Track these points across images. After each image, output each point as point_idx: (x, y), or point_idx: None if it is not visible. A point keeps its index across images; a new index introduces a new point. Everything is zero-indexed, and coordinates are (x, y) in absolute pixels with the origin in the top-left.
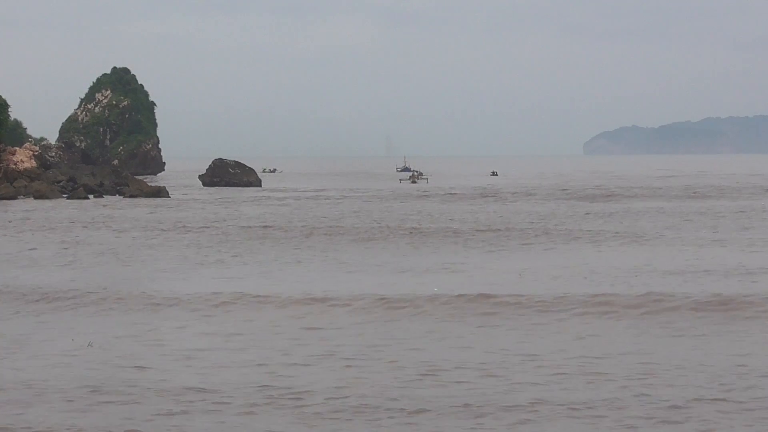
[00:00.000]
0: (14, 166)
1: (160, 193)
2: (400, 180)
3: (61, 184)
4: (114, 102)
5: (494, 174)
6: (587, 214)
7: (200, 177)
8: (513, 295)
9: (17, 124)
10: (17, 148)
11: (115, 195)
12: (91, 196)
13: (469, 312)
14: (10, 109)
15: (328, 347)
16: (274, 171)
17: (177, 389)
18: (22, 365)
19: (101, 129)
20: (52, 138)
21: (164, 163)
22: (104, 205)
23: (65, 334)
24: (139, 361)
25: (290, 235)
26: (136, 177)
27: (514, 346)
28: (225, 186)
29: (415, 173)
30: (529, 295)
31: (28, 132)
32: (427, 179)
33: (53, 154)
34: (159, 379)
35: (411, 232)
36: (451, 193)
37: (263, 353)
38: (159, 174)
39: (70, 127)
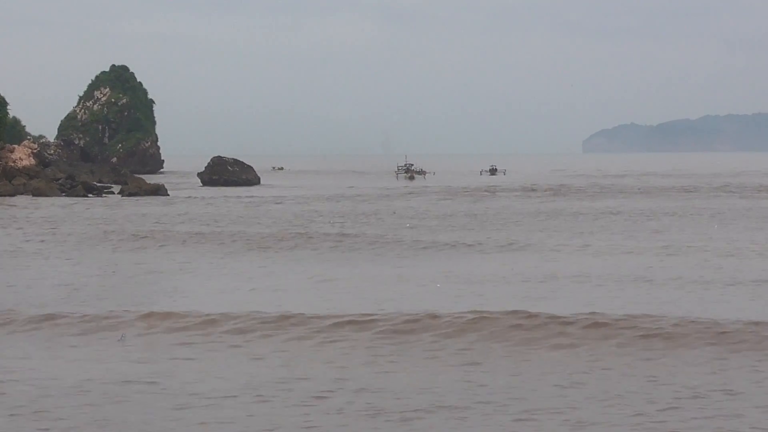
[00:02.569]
0: (13, 164)
1: (158, 190)
2: (397, 176)
3: (60, 181)
4: (113, 100)
5: (493, 170)
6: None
7: (199, 175)
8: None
9: (16, 122)
10: (16, 146)
11: (113, 193)
12: (89, 194)
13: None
14: (8, 107)
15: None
16: (282, 169)
17: None
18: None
19: (100, 127)
20: (51, 136)
21: (163, 160)
22: (90, 205)
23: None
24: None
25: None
26: (135, 175)
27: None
28: (224, 184)
29: (410, 167)
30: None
31: (27, 130)
32: (424, 176)
33: (52, 151)
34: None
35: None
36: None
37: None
38: (158, 172)
39: (68, 124)
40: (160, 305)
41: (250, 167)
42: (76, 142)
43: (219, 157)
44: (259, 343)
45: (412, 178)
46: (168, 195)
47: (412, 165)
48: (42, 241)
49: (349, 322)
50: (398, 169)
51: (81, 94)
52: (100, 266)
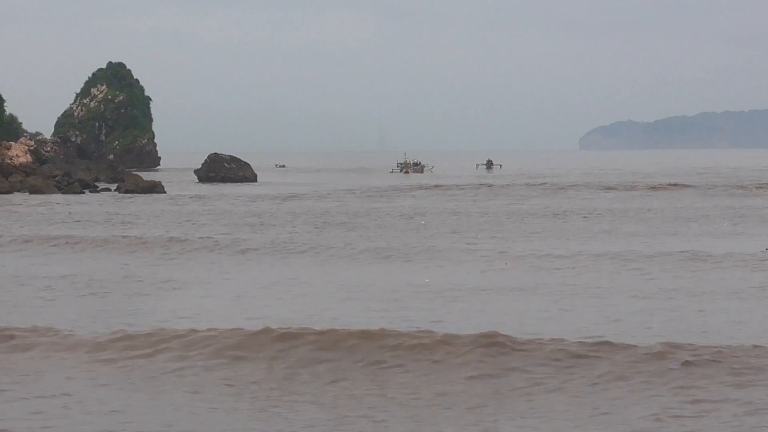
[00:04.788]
0: (9, 161)
1: (155, 188)
2: (392, 171)
3: (57, 179)
4: (109, 97)
5: (489, 164)
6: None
7: (196, 172)
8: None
9: (12, 119)
10: (12, 143)
11: (110, 190)
12: (86, 191)
13: None
14: (5, 104)
15: None
16: (284, 166)
17: None
18: None
19: (97, 124)
20: (48, 133)
21: (160, 158)
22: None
23: None
24: None
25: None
26: (132, 172)
27: None
28: (221, 181)
29: (408, 163)
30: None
31: (24, 127)
32: (421, 170)
33: (48, 148)
34: None
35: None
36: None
37: None
38: (155, 169)
39: (65, 121)
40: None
41: (247, 164)
42: (73, 139)
43: (216, 154)
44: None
45: (407, 172)
46: (165, 192)
47: (420, 163)
48: None
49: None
50: (398, 166)
51: (78, 91)
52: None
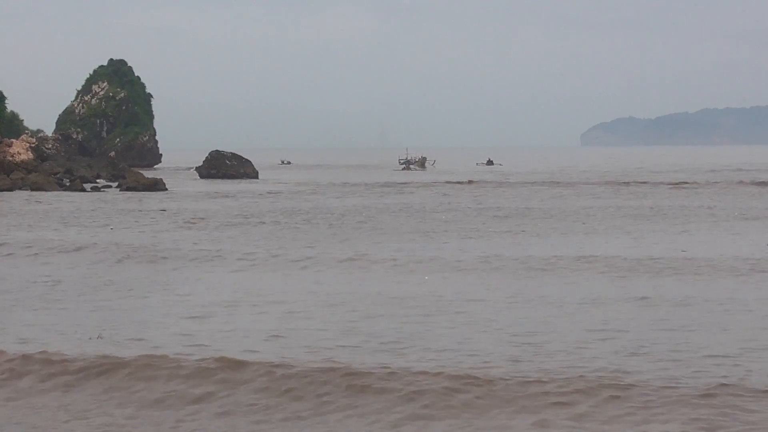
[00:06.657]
0: (11, 158)
1: (156, 185)
2: (394, 169)
3: (58, 176)
4: (111, 94)
5: (490, 164)
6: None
7: (197, 169)
8: None
9: (14, 116)
10: (14, 140)
11: (111, 187)
12: (88, 188)
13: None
14: (7, 101)
15: None
16: (289, 163)
17: None
18: None
19: (98, 121)
20: (49, 130)
21: (161, 154)
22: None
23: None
24: None
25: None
26: (133, 169)
27: None
28: (222, 177)
29: (411, 159)
30: None
31: (25, 124)
32: (423, 165)
33: (50, 146)
34: None
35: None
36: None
37: None
38: (156, 166)
39: (66, 118)
40: None
41: (249, 161)
42: (74, 136)
43: (217, 151)
44: None
45: (409, 168)
46: (166, 189)
47: (407, 157)
48: None
49: None
50: (399, 162)
51: (79, 88)
52: None
